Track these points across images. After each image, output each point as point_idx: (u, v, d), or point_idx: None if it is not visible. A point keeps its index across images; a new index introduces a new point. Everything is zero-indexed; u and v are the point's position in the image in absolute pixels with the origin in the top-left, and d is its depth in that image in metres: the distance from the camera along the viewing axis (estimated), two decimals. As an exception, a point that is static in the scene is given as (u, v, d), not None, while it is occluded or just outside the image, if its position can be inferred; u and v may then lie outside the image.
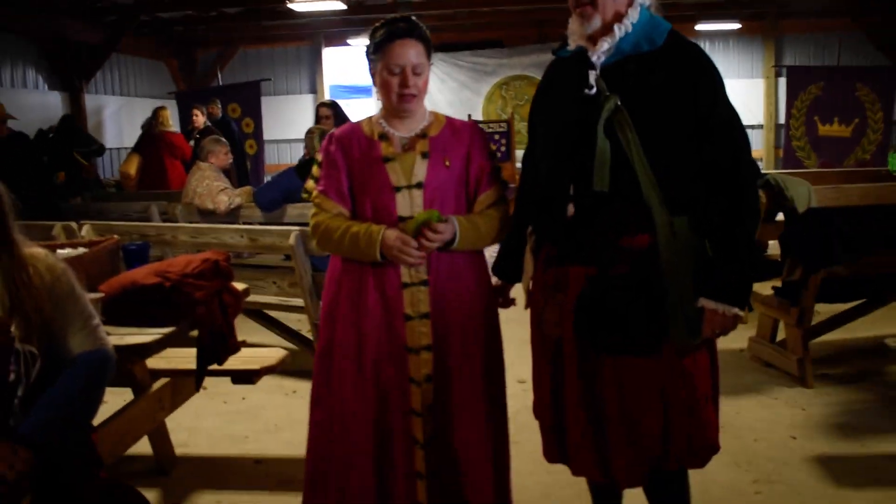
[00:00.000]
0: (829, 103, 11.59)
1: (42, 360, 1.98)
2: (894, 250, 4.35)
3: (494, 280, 2.74)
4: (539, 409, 2.54)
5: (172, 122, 10.08)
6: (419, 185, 2.50)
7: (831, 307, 4.93)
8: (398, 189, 2.51)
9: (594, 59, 2.33)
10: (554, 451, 2.50)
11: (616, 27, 2.29)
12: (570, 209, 2.36)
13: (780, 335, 4.83)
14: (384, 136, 2.57)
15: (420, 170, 2.52)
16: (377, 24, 2.55)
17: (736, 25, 12.18)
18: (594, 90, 2.31)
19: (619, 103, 2.24)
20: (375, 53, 2.53)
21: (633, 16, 2.30)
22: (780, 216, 5.48)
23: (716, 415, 2.42)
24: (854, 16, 11.99)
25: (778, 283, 4.63)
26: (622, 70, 2.29)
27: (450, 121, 2.65)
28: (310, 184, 2.68)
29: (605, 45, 2.30)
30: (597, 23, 2.31)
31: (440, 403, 2.55)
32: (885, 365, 4.71)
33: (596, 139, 2.26)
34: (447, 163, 2.54)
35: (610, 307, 2.28)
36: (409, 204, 2.50)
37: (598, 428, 2.36)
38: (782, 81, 12.36)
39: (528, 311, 2.60)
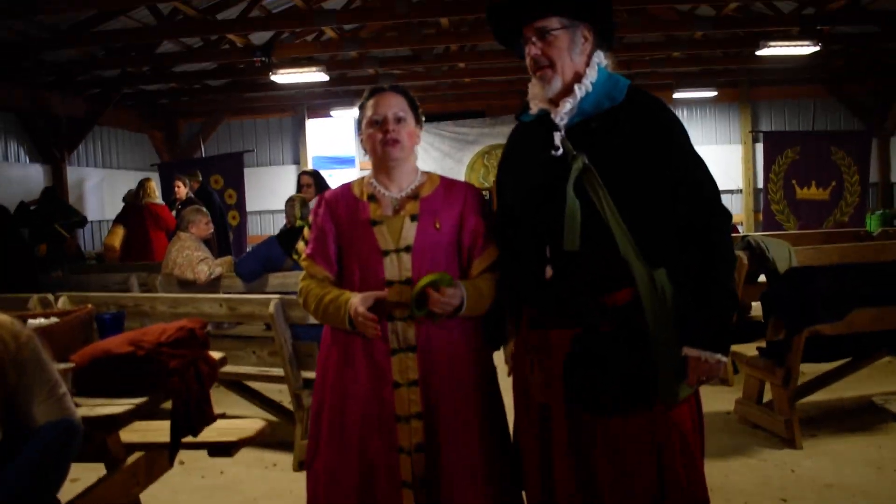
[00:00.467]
0: (805, 167, 11.78)
1: (4, 430, 1.92)
2: (877, 308, 4.34)
3: None
4: (528, 481, 2.49)
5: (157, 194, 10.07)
6: (407, 249, 2.47)
7: (817, 367, 4.91)
8: (386, 253, 2.47)
9: (557, 120, 2.36)
10: None
11: (577, 87, 2.33)
12: (548, 271, 2.35)
13: (767, 396, 4.78)
14: (373, 197, 2.55)
15: (409, 233, 2.49)
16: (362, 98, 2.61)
17: (712, 93, 12.42)
18: (560, 151, 2.34)
19: (586, 162, 2.26)
20: (361, 112, 2.56)
21: (592, 75, 2.35)
22: (762, 277, 5.50)
23: (703, 471, 2.38)
24: (826, 82, 12.29)
25: (762, 344, 4.60)
26: (586, 129, 2.32)
27: (444, 181, 2.62)
28: (300, 245, 2.68)
29: (567, 105, 2.34)
30: (557, 84, 2.35)
31: (433, 474, 2.46)
32: (874, 423, 4.66)
33: (565, 199, 2.27)
34: (437, 225, 2.50)
35: (600, 368, 2.26)
36: (397, 268, 2.46)
37: (590, 493, 2.31)
38: (759, 147, 12.57)
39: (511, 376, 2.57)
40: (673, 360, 2.25)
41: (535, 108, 2.45)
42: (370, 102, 2.54)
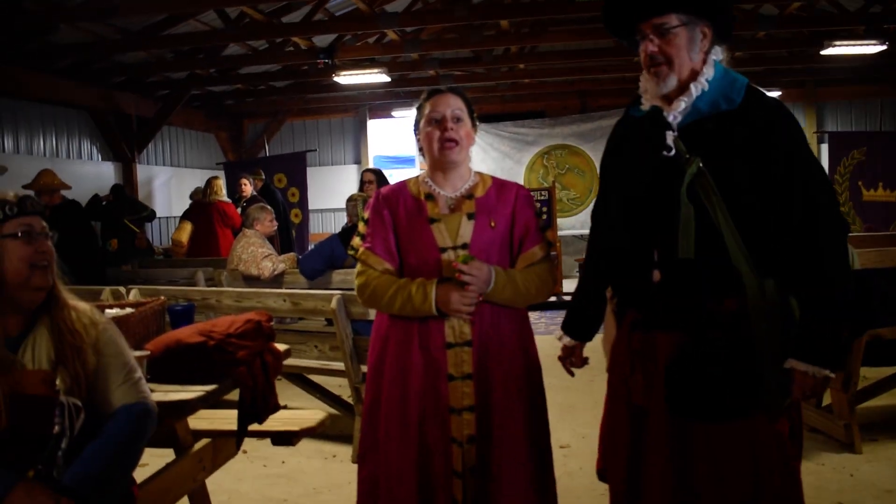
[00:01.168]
0: (872, 168, 11.53)
1: (85, 413, 2.05)
2: (940, 312, 4.28)
3: (567, 340, 2.69)
4: (612, 476, 2.49)
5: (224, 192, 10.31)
6: (465, 246, 2.55)
7: (879, 371, 4.85)
8: (443, 250, 2.55)
9: (670, 118, 2.29)
10: None
11: (692, 86, 2.25)
12: (656, 275, 2.30)
13: (827, 400, 4.74)
14: (430, 196, 2.63)
15: (466, 231, 2.56)
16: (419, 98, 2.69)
17: (777, 93, 12.22)
18: (672, 152, 2.26)
19: (701, 166, 2.19)
20: (419, 113, 2.65)
21: (709, 73, 2.26)
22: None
23: (799, 480, 2.33)
24: (894, 82, 12.01)
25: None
26: (701, 130, 2.24)
27: (496, 181, 2.70)
28: (356, 241, 2.71)
29: (681, 104, 2.26)
30: (672, 83, 2.26)
31: (483, 465, 2.54)
32: (937, 431, 4.59)
33: (677, 204, 2.21)
34: (493, 224, 2.58)
35: (705, 374, 2.22)
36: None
37: (684, 498, 2.28)
38: (824, 147, 12.34)
39: (606, 376, 2.56)
40: (778, 371, 2.19)
41: (647, 103, 2.37)
42: (428, 103, 2.62)
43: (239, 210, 9.43)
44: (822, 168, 2.26)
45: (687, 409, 2.25)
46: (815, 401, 4.79)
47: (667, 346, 2.27)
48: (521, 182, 12.73)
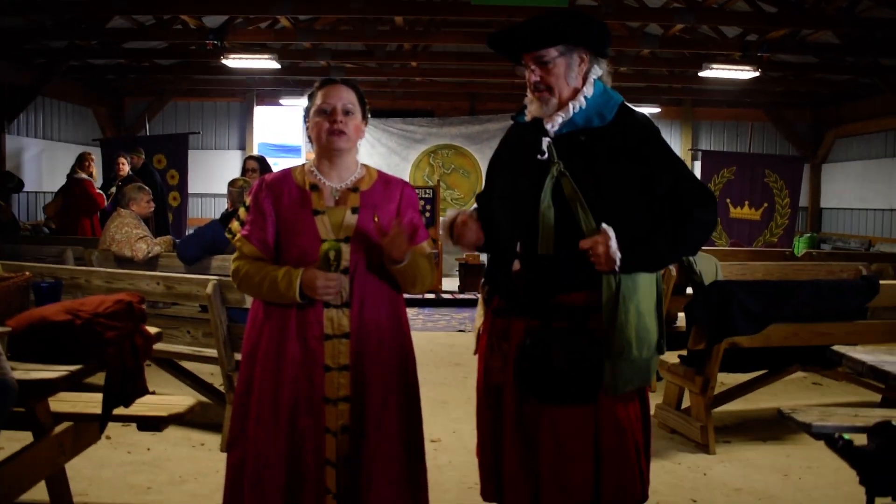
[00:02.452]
0: (740, 187, 12.17)
1: None
2: (793, 324, 4.57)
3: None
4: (479, 452, 2.66)
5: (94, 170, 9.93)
6: (346, 240, 2.55)
7: (735, 377, 5.13)
8: (325, 242, 2.56)
9: (548, 127, 2.52)
10: (490, 491, 2.62)
11: (571, 104, 2.49)
12: (516, 265, 2.52)
13: (686, 403, 4.98)
14: (315, 187, 2.62)
15: (349, 224, 2.57)
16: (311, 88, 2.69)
17: (656, 109, 12.75)
18: (545, 156, 2.49)
19: (562, 169, 2.44)
20: (310, 101, 2.63)
21: (588, 91, 2.52)
22: (690, 290, 5.70)
23: (647, 467, 2.54)
24: (765, 107, 12.74)
25: (683, 353, 4.79)
26: (574, 140, 2.48)
27: (381, 175, 2.72)
28: (235, 225, 2.69)
29: (559, 119, 2.50)
30: (554, 105, 2.51)
31: (355, 454, 2.55)
32: (785, 433, 4.87)
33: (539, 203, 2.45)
34: (376, 218, 2.59)
35: (548, 359, 2.40)
36: (335, 257, 2.54)
37: (533, 473, 2.46)
38: (697, 165, 12.93)
39: (476, 358, 2.73)
40: (625, 362, 2.41)
41: (529, 115, 2.59)
42: (320, 92, 2.61)
43: (113, 189, 9.13)
44: (687, 166, 2.58)
45: (532, 389, 2.45)
46: (675, 403, 5.04)
47: (519, 331, 2.49)
48: (408, 179, 12.76)
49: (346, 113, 2.59)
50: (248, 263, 2.60)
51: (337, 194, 2.62)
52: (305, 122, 2.67)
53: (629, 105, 2.56)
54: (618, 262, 2.36)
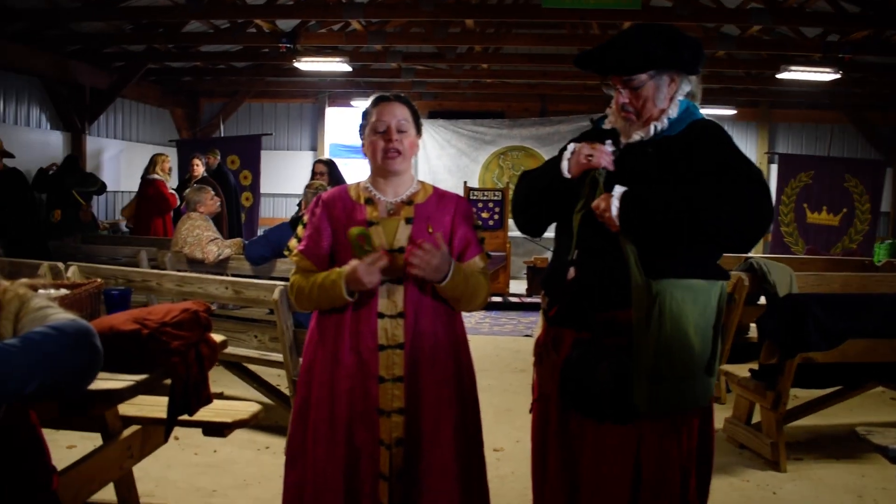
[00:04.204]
0: (818, 192, 11.81)
1: None
2: (870, 339, 4.40)
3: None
4: (532, 463, 2.62)
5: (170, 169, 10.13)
6: (401, 250, 2.54)
7: (809, 392, 4.97)
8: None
9: (622, 141, 2.48)
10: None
11: (653, 124, 2.42)
12: (571, 272, 2.45)
13: (756, 418, 4.85)
14: (370, 201, 2.63)
15: (403, 235, 2.57)
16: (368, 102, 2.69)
17: (732, 111, 12.45)
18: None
19: (601, 180, 2.37)
20: (364, 120, 2.64)
21: (673, 112, 2.43)
22: (763, 300, 5.55)
23: (697, 498, 2.42)
24: (846, 110, 12.32)
25: (755, 366, 4.66)
26: (642, 151, 2.41)
27: (437, 190, 2.72)
28: (292, 242, 2.71)
29: (637, 137, 2.44)
30: (637, 125, 2.44)
31: (410, 468, 2.54)
32: (860, 452, 4.70)
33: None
34: (430, 229, 2.58)
35: (593, 374, 2.33)
36: (390, 268, 2.53)
37: (573, 488, 2.42)
38: (774, 168, 12.60)
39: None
40: (657, 382, 2.29)
41: (609, 124, 2.55)
42: (375, 110, 2.61)
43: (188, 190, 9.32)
44: (748, 161, 2.38)
45: (574, 403, 2.39)
46: (745, 418, 4.91)
47: (569, 342, 2.43)
48: (476, 181, 12.78)
49: (401, 131, 2.59)
50: (302, 278, 2.62)
51: (391, 207, 2.63)
52: (361, 138, 2.68)
53: (707, 118, 2.48)
54: (616, 220, 2.28)
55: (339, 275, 2.49)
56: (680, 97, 2.45)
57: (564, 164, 2.48)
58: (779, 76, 9.66)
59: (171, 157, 10.46)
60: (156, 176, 9.40)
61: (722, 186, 2.25)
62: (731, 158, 2.35)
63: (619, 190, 2.31)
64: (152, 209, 9.35)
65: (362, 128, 2.67)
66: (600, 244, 2.38)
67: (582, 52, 2.59)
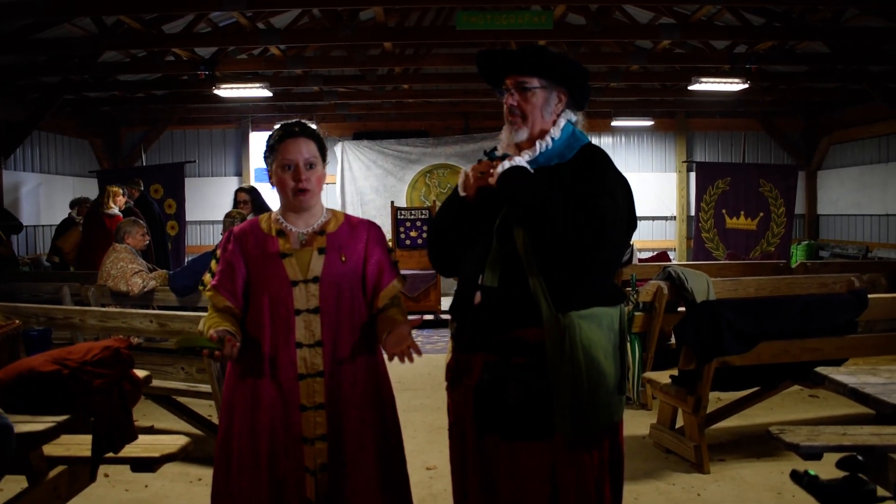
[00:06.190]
0: (735, 198, 12.20)
1: None
2: (783, 340, 4.59)
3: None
4: (452, 484, 2.68)
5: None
6: (315, 280, 2.60)
7: (731, 394, 5.14)
8: (295, 283, 2.61)
9: (507, 152, 2.60)
10: None
11: (538, 143, 2.55)
12: (477, 297, 2.53)
13: (680, 422, 4.99)
14: (281, 233, 2.68)
15: (317, 265, 2.63)
16: (272, 131, 2.72)
17: (649, 122, 12.81)
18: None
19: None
20: (270, 154, 2.68)
21: (556, 133, 2.58)
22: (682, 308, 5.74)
23: (612, 498, 2.53)
24: (758, 117, 12.80)
25: (675, 372, 4.81)
26: (537, 172, 2.51)
27: (347, 217, 2.79)
28: (206, 277, 2.73)
29: (525, 157, 2.55)
30: (523, 135, 2.58)
31: (336, 493, 2.60)
32: (777, 450, 4.87)
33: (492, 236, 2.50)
34: (343, 258, 2.65)
35: (504, 395, 2.42)
36: (305, 297, 2.60)
37: None
38: (692, 176, 12.99)
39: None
40: (572, 404, 2.39)
41: (500, 150, 2.66)
42: (280, 147, 2.64)
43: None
44: (621, 185, 2.51)
45: (488, 424, 2.47)
46: (669, 423, 5.05)
47: (479, 365, 2.51)
48: (404, 200, 12.85)
49: (309, 167, 2.64)
50: (213, 315, 2.65)
51: (304, 238, 2.68)
52: (267, 169, 2.71)
53: (595, 145, 2.61)
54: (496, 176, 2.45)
55: (206, 325, 2.58)
56: (563, 121, 2.59)
57: (459, 186, 2.62)
58: (690, 87, 9.98)
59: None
60: (115, 210, 9.12)
61: (585, 195, 2.39)
62: (606, 176, 2.48)
63: (512, 161, 2.48)
64: (101, 243, 9.06)
65: (269, 162, 2.70)
66: (504, 269, 2.48)
67: (485, 49, 2.75)
